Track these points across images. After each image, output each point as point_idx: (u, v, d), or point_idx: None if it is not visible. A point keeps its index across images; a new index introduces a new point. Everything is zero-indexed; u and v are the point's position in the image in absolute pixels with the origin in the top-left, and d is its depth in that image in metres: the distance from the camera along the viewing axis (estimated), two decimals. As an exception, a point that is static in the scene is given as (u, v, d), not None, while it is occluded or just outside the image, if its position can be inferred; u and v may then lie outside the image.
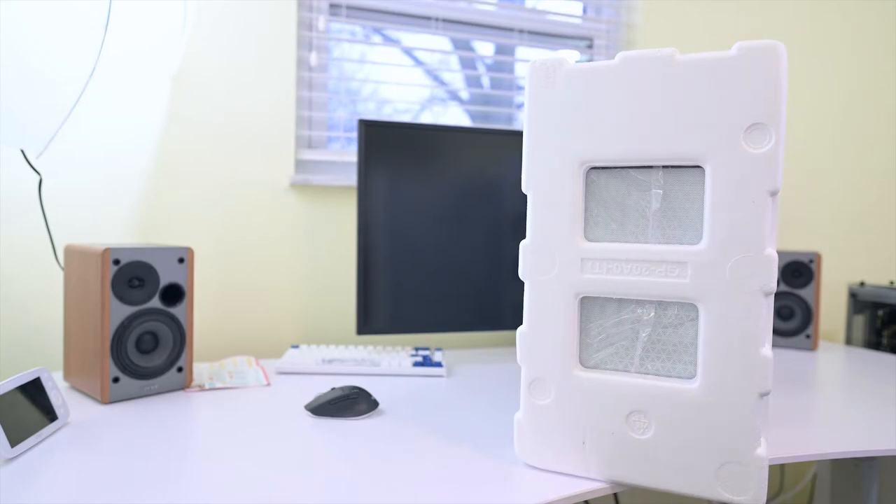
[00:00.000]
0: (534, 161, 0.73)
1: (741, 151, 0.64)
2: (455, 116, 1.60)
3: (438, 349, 1.30)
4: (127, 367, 0.95)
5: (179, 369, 1.01)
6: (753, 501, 0.65)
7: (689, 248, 0.67)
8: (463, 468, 0.73)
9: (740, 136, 0.64)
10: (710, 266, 0.66)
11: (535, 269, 0.74)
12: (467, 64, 1.62)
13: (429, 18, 1.54)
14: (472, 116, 1.61)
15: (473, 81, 1.61)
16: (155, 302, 0.98)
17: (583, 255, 0.71)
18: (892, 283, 1.63)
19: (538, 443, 0.74)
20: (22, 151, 1.15)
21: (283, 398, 1.00)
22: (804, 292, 1.47)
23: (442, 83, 1.59)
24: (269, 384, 1.08)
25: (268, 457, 0.75)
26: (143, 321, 0.96)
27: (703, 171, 0.67)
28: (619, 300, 0.71)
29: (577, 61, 0.78)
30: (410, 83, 1.51)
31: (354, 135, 1.48)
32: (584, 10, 1.70)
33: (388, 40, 1.53)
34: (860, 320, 1.63)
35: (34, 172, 1.19)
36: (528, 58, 1.63)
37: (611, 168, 0.71)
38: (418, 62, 1.56)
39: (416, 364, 1.17)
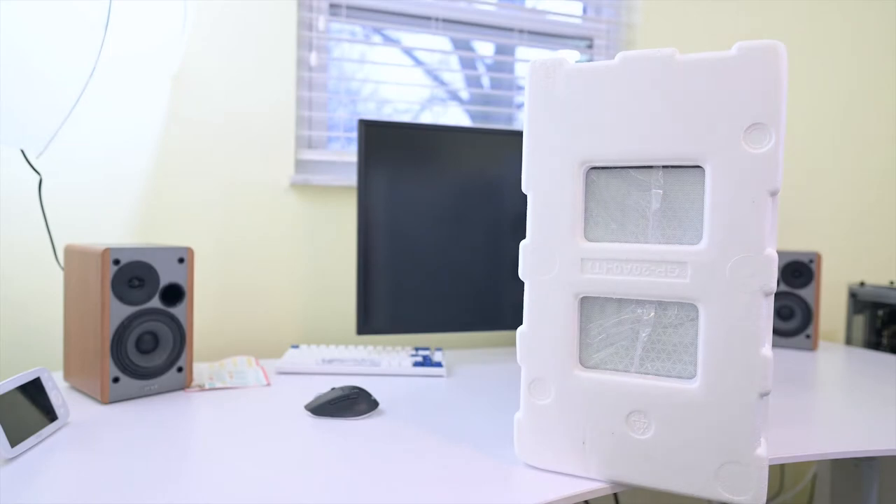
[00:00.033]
0: (534, 161, 0.73)
1: (741, 151, 0.64)
2: (455, 116, 1.60)
3: (438, 349, 1.30)
4: (127, 367, 0.95)
5: (179, 369, 1.01)
6: (753, 501, 0.65)
7: (689, 248, 0.67)
8: (463, 468, 0.73)
9: (740, 135, 0.64)
10: (710, 266, 0.66)
11: (535, 269, 0.74)
12: (467, 64, 1.62)
13: (429, 18, 1.54)
14: (472, 116, 1.61)
15: (473, 81, 1.61)
16: (155, 302, 0.98)
17: (583, 255, 0.71)
18: (892, 283, 1.63)
19: (538, 443, 0.74)
20: (22, 151, 1.15)
21: (283, 398, 1.00)
22: (804, 292, 1.47)
23: (442, 83, 1.59)
24: (269, 384, 1.08)
25: (268, 457, 0.75)
26: (143, 321, 0.96)
27: (703, 171, 0.67)
28: (619, 300, 0.71)
29: (577, 61, 0.78)
30: (410, 83, 1.51)
31: (354, 135, 1.48)
32: (584, 10, 1.70)
33: (388, 40, 1.53)
34: (860, 320, 1.63)
35: (34, 172, 1.19)
36: (528, 58, 1.63)
37: (611, 168, 0.71)
38: (418, 62, 1.56)
39: (416, 364, 1.17)
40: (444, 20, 1.55)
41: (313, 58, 1.44)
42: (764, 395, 0.64)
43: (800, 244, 1.82)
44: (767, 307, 0.65)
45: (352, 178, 1.39)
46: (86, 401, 0.95)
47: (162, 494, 0.65)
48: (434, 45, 1.57)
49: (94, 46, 1.07)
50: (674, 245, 0.68)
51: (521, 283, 1.29)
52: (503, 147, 1.27)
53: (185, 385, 1.02)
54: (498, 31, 1.61)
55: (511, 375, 1.18)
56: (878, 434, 0.87)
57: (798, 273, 1.49)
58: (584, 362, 0.73)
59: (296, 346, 1.27)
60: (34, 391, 0.80)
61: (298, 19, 1.41)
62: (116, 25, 1.23)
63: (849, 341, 1.65)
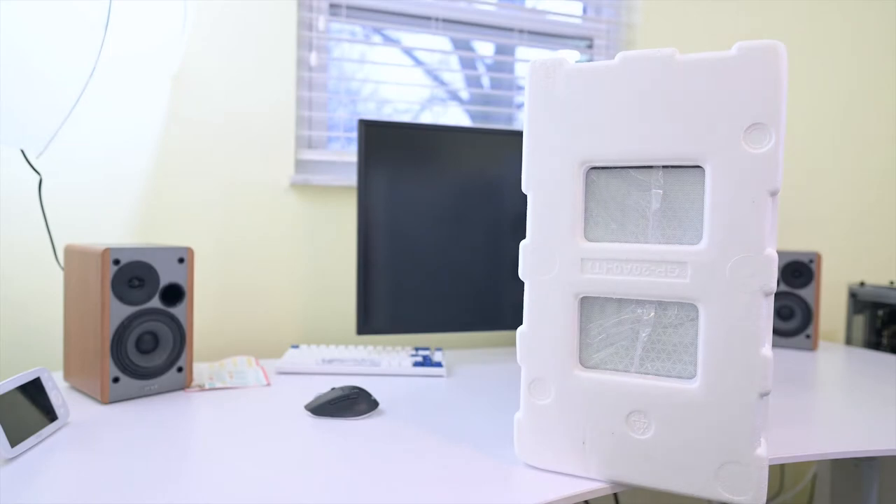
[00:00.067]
0: (534, 161, 0.73)
1: (741, 151, 0.64)
2: (455, 116, 1.60)
3: (438, 349, 1.30)
4: (127, 367, 0.95)
5: (179, 369, 1.01)
6: (753, 501, 0.65)
7: (689, 248, 0.67)
8: (463, 468, 0.73)
9: (740, 136, 0.64)
10: (710, 266, 0.66)
11: (535, 269, 0.74)
12: (467, 64, 1.62)
13: (429, 18, 1.54)
14: (472, 116, 1.61)
15: (473, 81, 1.61)
16: (155, 302, 0.98)
17: (583, 255, 0.71)
18: (892, 283, 1.63)
19: (538, 443, 0.74)
20: (22, 151, 1.15)
21: (283, 398, 1.00)
22: (804, 292, 1.47)
23: (442, 83, 1.59)
24: (269, 384, 1.08)
25: (268, 457, 0.75)
26: (143, 321, 0.96)
27: (703, 171, 0.67)
28: (619, 300, 0.71)
29: (577, 61, 0.78)
30: (410, 83, 1.51)
31: (354, 135, 1.48)
32: (584, 10, 1.70)
33: (388, 40, 1.53)
34: (860, 320, 1.63)
35: (34, 172, 1.19)
36: (528, 58, 1.63)
37: (611, 168, 0.71)
38: (418, 62, 1.56)
39: (416, 364, 1.17)
40: (444, 20, 1.55)
41: (313, 58, 1.44)
42: (764, 395, 0.64)
43: (800, 244, 1.82)
44: (767, 307, 0.65)
45: (352, 178, 1.39)
46: (86, 401, 0.95)
47: (162, 494, 0.65)
48: (434, 45, 1.57)
49: (94, 46, 1.07)
50: (674, 245, 0.68)
51: (521, 283, 1.29)
52: (503, 147, 1.28)
53: (185, 385, 1.02)
54: (498, 31, 1.61)
55: (511, 375, 1.18)
56: (878, 434, 0.87)
57: (798, 273, 1.49)
58: (584, 362, 0.73)
59: (296, 346, 1.27)
60: (34, 391, 0.80)
61: (298, 19, 1.41)
62: (116, 25, 1.23)
63: (849, 341, 1.65)
